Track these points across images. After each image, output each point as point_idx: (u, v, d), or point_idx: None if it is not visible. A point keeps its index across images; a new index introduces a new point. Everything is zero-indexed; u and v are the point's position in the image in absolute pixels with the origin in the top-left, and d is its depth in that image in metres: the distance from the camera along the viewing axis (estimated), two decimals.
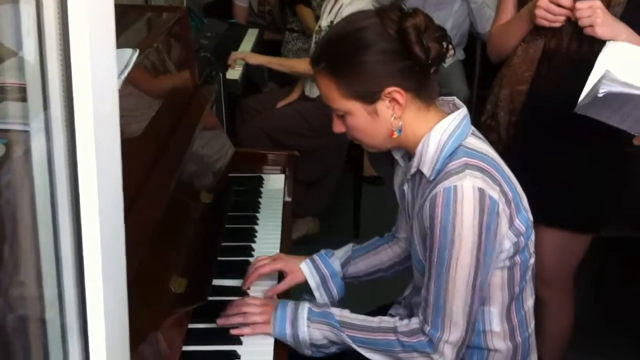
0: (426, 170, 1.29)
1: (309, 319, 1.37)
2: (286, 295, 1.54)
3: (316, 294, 1.55)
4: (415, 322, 1.33)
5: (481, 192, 1.23)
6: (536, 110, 1.80)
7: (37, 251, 0.79)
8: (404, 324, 1.34)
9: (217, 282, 1.49)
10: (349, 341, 1.35)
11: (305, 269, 1.54)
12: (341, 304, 1.49)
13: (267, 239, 1.73)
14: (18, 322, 0.83)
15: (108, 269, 0.80)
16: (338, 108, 1.32)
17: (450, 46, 1.30)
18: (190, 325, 1.36)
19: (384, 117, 1.29)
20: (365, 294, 1.80)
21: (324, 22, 3.08)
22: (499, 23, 1.95)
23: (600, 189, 1.85)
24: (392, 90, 1.27)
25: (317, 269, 1.55)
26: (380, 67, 1.27)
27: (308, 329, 1.36)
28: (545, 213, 1.36)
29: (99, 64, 0.75)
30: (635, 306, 2.71)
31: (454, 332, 1.28)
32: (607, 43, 1.60)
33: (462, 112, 1.33)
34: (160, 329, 1.20)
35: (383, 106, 1.29)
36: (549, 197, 1.79)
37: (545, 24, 1.71)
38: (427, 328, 1.30)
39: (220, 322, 1.39)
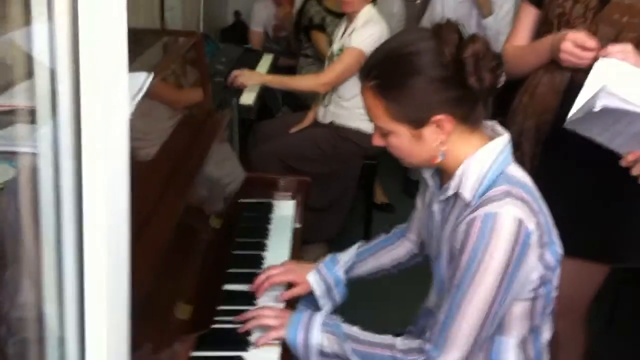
0: (467, 194, 1.28)
1: (323, 324, 1.38)
2: (293, 299, 1.60)
3: (320, 301, 1.60)
4: (415, 342, 1.32)
5: (520, 222, 1.22)
6: (562, 140, 1.77)
7: (41, 272, 0.78)
8: (404, 343, 1.34)
9: (222, 307, 1.48)
10: (349, 353, 1.35)
11: (312, 279, 1.59)
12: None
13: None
14: (19, 344, 0.82)
15: (111, 292, 0.79)
16: (383, 127, 1.31)
17: (503, 73, 1.29)
18: (194, 353, 1.34)
19: (428, 142, 1.29)
20: (377, 319, 1.78)
21: (336, 46, 3.10)
22: (513, 42, 1.93)
23: (623, 218, 1.83)
24: (441, 118, 1.26)
25: (322, 278, 1.60)
26: (431, 95, 1.26)
27: (321, 334, 1.37)
28: (568, 242, 1.34)
29: (109, 89, 0.75)
30: None
31: (452, 354, 1.26)
32: (600, 59, 1.58)
33: (505, 138, 1.32)
34: (162, 356, 1.19)
35: (429, 132, 1.28)
36: (572, 226, 1.77)
37: (571, 65, 1.70)
38: (428, 346, 1.29)
39: (240, 329, 1.42)
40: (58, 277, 0.78)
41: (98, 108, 0.73)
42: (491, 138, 1.33)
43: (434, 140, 1.29)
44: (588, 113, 1.47)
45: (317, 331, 1.37)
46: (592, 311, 2.01)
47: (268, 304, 1.55)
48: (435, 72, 1.25)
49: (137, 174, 1.36)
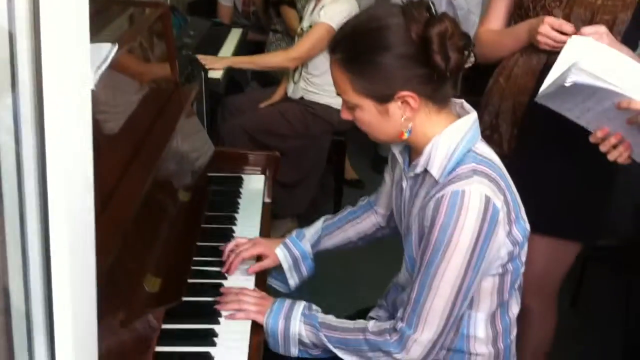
0: (435, 171, 1.29)
1: (302, 314, 1.39)
2: (262, 274, 1.62)
3: (288, 274, 1.63)
4: (387, 323, 1.34)
5: (487, 199, 1.23)
6: (538, 121, 1.79)
7: (5, 245, 0.77)
8: (375, 325, 1.35)
9: (192, 281, 1.47)
10: (325, 341, 1.37)
11: (280, 254, 1.62)
12: (322, 306, 1.49)
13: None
14: None
15: (77, 266, 0.78)
16: (349, 100, 1.31)
17: (471, 53, 1.29)
18: (164, 326, 1.34)
19: (394, 117, 1.29)
20: (347, 296, 1.80)
21: (306, 24, 3.08)
22: (488, 26, 1.94)
23: (592, 197, 1.86)
24: (406, 94, 1.26)
25: (289, 252, 1.62)
26: (397, 71, 1.26)
27: (300, 323, 1.39)
28: (542, 221, 1.36)
29: (71, 59, 0.73)
30: (612, 314, 2.72)
31: (426, 332, 1.28)
32: (572, 37, 1.60)
33: (472, 116, 1.33)
34: (132, 329, 1.18)
35: (395, 107, 1.28)
36: (548, 205, 1.79)
37: (548, 48, 1.71)
38: (401, 325, 1.30)
39: (218, 307, 1.43)
40: (22, 250, 0.76)
41: (60, 78, 0.71)
42: (459, 116, 1.33)
43: (399, 116, 1.29)
44: (559, 88, 1.48)
45: (297, 321, 1.39)
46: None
47: (238, 277, 1.55)
48: (401, 48, 1.24)
49: (102, 146, 1.34)
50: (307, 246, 1.63)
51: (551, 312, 2.01)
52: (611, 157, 1.54)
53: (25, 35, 0.69)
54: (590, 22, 1.71)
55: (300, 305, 1.42)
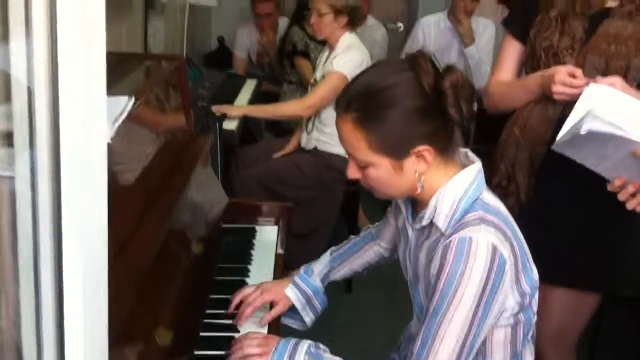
0: (441, 224, 1.28)
1: (307, 353, 1.35)
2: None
3: (303, 313, 1.62)
4: None
5: (494, 249, 1.22)
6: (556, 170, 1.77)
7: (19, 297, 0.77)
8: None
9: (204, 334, 1.46)
10: None
11: (292, 295, 1.61)
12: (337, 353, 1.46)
13: None
14: None
15: (90, 317, 0.77)
16: (363, 160, 1.30)
17: (476, 103, 1.30)
18: None
19: (408, 173, 1.29)
20: (360, 348, 1.77)
21: (319, 73, 3.12)
22: (499, 77, 1.94)
23: (611, 248, 1.83)
24: (423, 149, 1.26)
25: (300, 291, 1.62)
26: (413, 126, 1.26)
27: None
28: (556, 271, 1.34)
29: (89, 112, 0.74)
30: None
31: None
32: (590, 85, 1.59)
33: (477, 166, 1.33)
34: None
35: (409, 163, 1.28)
36: (566, 256, 1.77)
37: (564, 99, 1.70)
38: None
39: None
40: (36, 303, 0.76)
41: (77, 132, 0.72)
42: (464, 166, 1.33)
43: (413, 172, 1.28)
44: (575, 136, 1.47)
45: (302, 357, 1.34)
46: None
47: (250, 327, 1.53)
48: (415, 103, 1.25)
49: (118, 198, 1.35)
50: (317, 282, 1.63)
51: None
52: (630, 206, 1.53)
53: (44, 90, 0.70)
54: (605, 69, 1.70)
55: (306, 344, 1.37)
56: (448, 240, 1.23)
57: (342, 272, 1.68)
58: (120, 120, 1.29)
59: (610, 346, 2.79)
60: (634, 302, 2.67)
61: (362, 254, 1.68)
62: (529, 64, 1.87)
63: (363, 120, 1.27)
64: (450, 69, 1.26)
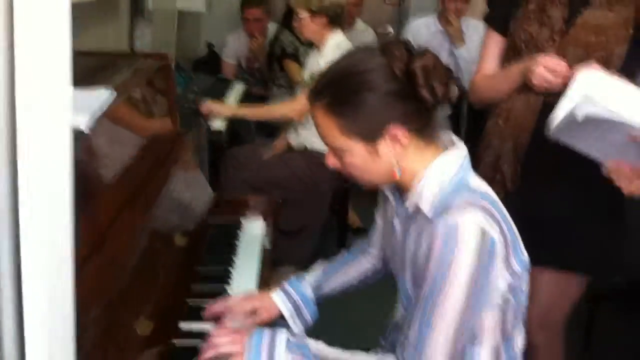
0: (426, 208, 1.26)
1: (287, 348, 1.31)
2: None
3: (290, 322, 1.53)
4: (390, 357, 1.29)
5: (482, 231, 1.21)
6: (542, 157, 1.79)
7: None
8: (378, 357, 1.31)
9: (186, 325, 1.44)
10: None
11: (278, 300, 1.54)
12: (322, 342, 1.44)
13: (243, 282, 1.68)
14: None
15: (53, 311, 0.75)
16: (336, 146, 1.29)
17: (455, 85, 1.29)
18: None
19: (385, 157, 1.27)
20: (347, 334, 1.76)
21: (307, 74, 3.12)
22: (483, 72, 1.95)
23: (598, 231, 1.84)
24: (396, 129, 1.25)
25: (289, 297, 1.55)
26: (385, 108, 1.25)
27: (285, 354, 1.29)
28: (545, 254, 1.33)
29: (49, 102, 0.73)
30: (625, 356, 2.65)
31: None
32: (580, 71, 1.57)
33: (463, 149, 1.32)
34: None
35: (384, 146, 1.26)
36: (552, 237, 1.77)
37: (543, 90, 1.71)
38: None
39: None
40: None
41: (36, 122, 0.70)
42: (448, 150, 1.32)
43: (390, 155, 1.27)
44: (570, 122, 1.47)
45: (282, 352, 1.30)
46: (569, 328, 2.00)
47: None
48: (387, 86, 1.24)
49: (99, 189, 1.34)
50: (307, 289, 1.57)
51: (557, 349, 1.96)
52: (626, 190, 1.52)
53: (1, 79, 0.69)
54: (585, 59, 1.70)
55: (283, 335, 1.32)
56: (434, 226, 1.22)
57: (335, 284, 1.62)
58: (100, 112, 1.29)
59: (604, 337, 2.78)
60: (628, 292, 2.67)
61: (355, 264, 1.63)
62: (511, 57, 1.87)
63: (333, 105, 1.26)
64: (423, 51, 1.26)
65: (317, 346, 1.34)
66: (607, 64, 1.69)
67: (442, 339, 1.23)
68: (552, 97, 1.73)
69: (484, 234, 1.21)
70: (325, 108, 1.27)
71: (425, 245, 1.23)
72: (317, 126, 1.31)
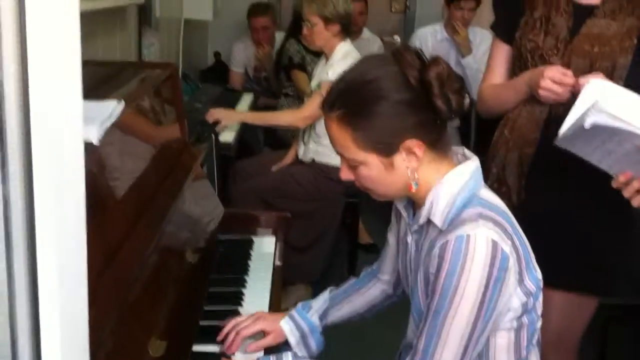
0: (438, 220, 1.23)
1: None
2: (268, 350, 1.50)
3: (296, 350, 1.51)
4: None
5: (494, 244, 1.17)
6: (546, 172, 1.76)
7: None
8: None
9: (199, 347, 1.40)
10: None
11: (286, 327, 1.51)
12: None
13: (255, 303, 1.64)
14: None
15: (68, 324, 0.72)
16: (351, 158, 1.25)
17: (467, 95, 1.26)
18: None
19: (400, 170, 1.24)
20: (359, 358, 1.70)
21: (314, 83, 3.08)
22: (489, 82, 1.92)
23: (607, 249, 1.79)
24: (411, 142, 1.22)
25: (296, 326, 1.51)
26: (399, 119, 1.21)
27: None
28: (553, 274, 1.30)
29: (61, 113, 0.70)
30: None
31: None
32: (590, 80, 1.54)
33: (475, 162, 1.29)
34: None
35: (399, 159, 1.23)
36: (557, 258, 1.72)
37: (550, 101, 1.68)
38: None
39: None
40: (9, 305, 0.70)
41: (49, 134, 0.67)
42: (460, 163, 1.29)
43: (405, 168, 1.24)
44: (578, 130, 1.44)
45: None
46: (583, 351, 1.95)
47: (237, 356, 1.44)
48: (400, 95, 1.21)
49: (108, 205, 1.30)
50: (314, 318, 1.53)
51: None
52: (635, 202, 1.49)
53: (13, 91, 0.66)
54: (590, 70, 1.68)
55: (288, 356, 1.30)
56: (445, 239, 1.19)
57: (342, 312, 1.57)
58: (109, 123, 1.25)
59: (618, 356, 2.73)
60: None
61: (364, 291, 1.58)
62: (517, 66, 1.85)
63: (347, 116, 1.23)
64: (435, 60, 1.22)
65: None
66: (611, 74, 1.67)
67: (449, 352, 1.19)
68: (557, 108, 1.70)
69: (495, 246, 1.17)
70: (339, 120, 1.24)
71: (436, 256, 1.20)
72: (331, 137, 1.28)
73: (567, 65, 1.70)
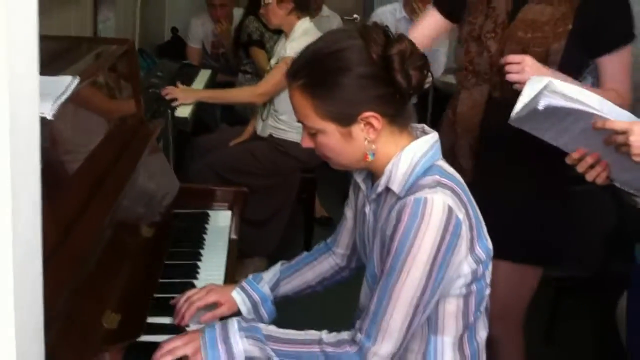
0: (396, 187, 1.27)
1: (240, 329, 1.30)
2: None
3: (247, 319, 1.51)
4: (345, 334, 1.29)
5: (450, 210, 1.22)
6: (491, 151, 1.83)
7: None
8: (331, 335, 1.30)
9: (153, 319, 1.43)
10: (272, 354, 1.28)
11: (237, 297, 1.52)
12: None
13: (211, 276, 1.66)
14: None
15: (21, 300, 0.74)
16: (311, 126, 1.29)
17: (429, 73, 1.30)
18: None
19: (358, 140, 1.28)
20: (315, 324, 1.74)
21: (273, 60, 3.10)
22: (413, 34, 1.90)
23: (545, 223, 1.87)
24: (369, 115, 1.26)
25: (248, 296, 1.53)
26: (359, 92, 1.25)
27: (242, 340, 1.29)
28: (498, 246, 1.36)
29: (16, 90, 0.70)
30: (586, 350, 2.70)
31: (386, 345, 1.24)
32: (531, 77, 1.57)
33: (434, 136, 1.33)
34: None
35: (358, 129, 1.27)
36: (502, 231, 1.79)
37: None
38: (360, 336, 1.26)
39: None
40: None
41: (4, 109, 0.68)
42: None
43: (362, 139, 1.28)
44: (532, 111, 1.47)
45: (237, 339, 1.29)
46: (531, 322, 2.02)
47: (191, 327, 1.45)
48: (362, 69, 1.24)
49: (63, 180, 1.31)
50: (265, 289, 1.55)
51: (517, 339, 2.00)
52: (589, 177, 1.53)
53: None
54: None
55: (233, 323, 1.31)
56: (403, 202, 1.23)
57: (293, 284, 1.59)
58: (63, 99, 1.25)
59: (565, 330, 2.82)
60: (586, 282, 2.72)
61: (314, 264, 1.60)
62: (461, 50, 1.90)
63: (309, 86, 1.27)
64: (400, 37, 1.26)
65: (268, 327, 1.34)
66: (545, 59, 1.71)
67: (399, 312, 1.23)
68: (497, 92, 1.76)
69: (450, 212, 1.22)
70: (301, 89, 1.28)
71: (393, 220, 1.24)
72: (293, 105, 1.31)
73: (502, 50, 1.76)
